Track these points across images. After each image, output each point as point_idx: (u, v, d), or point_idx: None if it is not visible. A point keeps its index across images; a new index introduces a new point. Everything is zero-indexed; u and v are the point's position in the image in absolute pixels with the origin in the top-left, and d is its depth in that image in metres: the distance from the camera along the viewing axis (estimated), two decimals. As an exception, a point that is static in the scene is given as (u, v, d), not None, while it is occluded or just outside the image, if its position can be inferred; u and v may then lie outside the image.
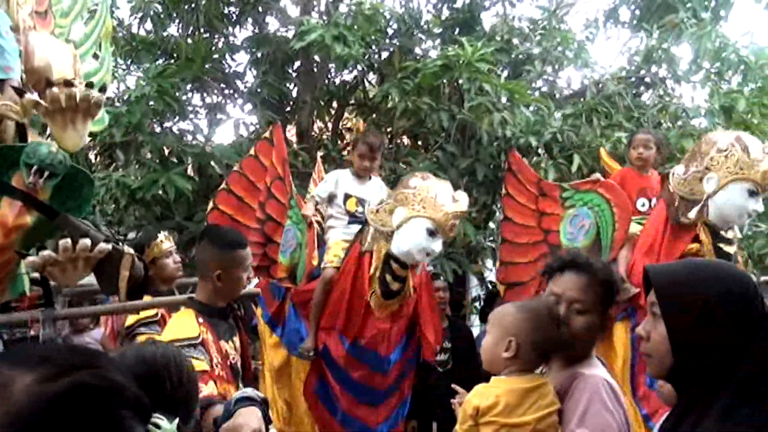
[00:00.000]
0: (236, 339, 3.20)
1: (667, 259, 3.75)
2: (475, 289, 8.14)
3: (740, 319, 1.64)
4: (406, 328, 4.23)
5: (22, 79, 2.76)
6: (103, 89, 2.67)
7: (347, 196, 4.56)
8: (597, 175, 4.72)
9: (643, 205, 4.60)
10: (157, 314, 3.97)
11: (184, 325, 2.99)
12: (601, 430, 2.07)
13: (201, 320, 3.00)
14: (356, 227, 4.44)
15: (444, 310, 5.73)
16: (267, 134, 4.94)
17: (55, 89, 2.51)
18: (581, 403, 2.14)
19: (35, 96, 2.56)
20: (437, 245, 4.04)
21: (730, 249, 4.16)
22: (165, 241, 4.48)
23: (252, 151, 4.90)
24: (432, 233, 3.98)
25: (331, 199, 4.62)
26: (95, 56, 3.40)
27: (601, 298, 2.29)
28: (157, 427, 1.31)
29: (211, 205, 4.84)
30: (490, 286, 7.70)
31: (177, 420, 1.37)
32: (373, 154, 4.65)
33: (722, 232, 4.14)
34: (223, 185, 4.87)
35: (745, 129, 6.77)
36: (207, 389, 2.66)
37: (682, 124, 6.97)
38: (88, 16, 3.45)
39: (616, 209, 4.26)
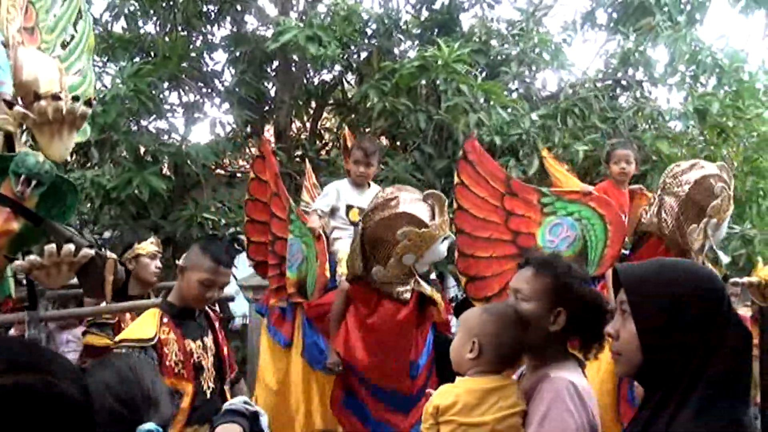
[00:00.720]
0: (207, 339, 3.36)
1: None
2: (453, 290, 8.18)
3: (709, 316, 1.67)
4: (428, 329, 4.12)
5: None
6: (88, 103, 2.73)
7: (349, 207, 4.52)
8: (589, 188, 4.72)
9: None
10: (114, 316, 4.05)
11: (140, 326, 3.17)
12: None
13: (166, 320, 3.19)
14: None
15: None
16: (257, 152, 4.97)
17: (42, 102, 2.62)
18: (543, 405, 2.14)
19: (23, 108, 2.64)
20: (448, 239, 3.94)
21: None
22: (153, 244, 4.62)
23: (252, 174, 4.92)
24: (442, 240, 3.86)
25: (333, 211, 4.57)
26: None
27: (545, 287, 2.29)
28: None
29: (245, 239, 4.95)
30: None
31: None
32: (369, 159, 4.57)
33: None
34: (246, 217, 4.95)
35: (720, 132, 6.90)
36: None
37: (657, 126, 7.05)
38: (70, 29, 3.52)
39: (610, 227, 4.24)
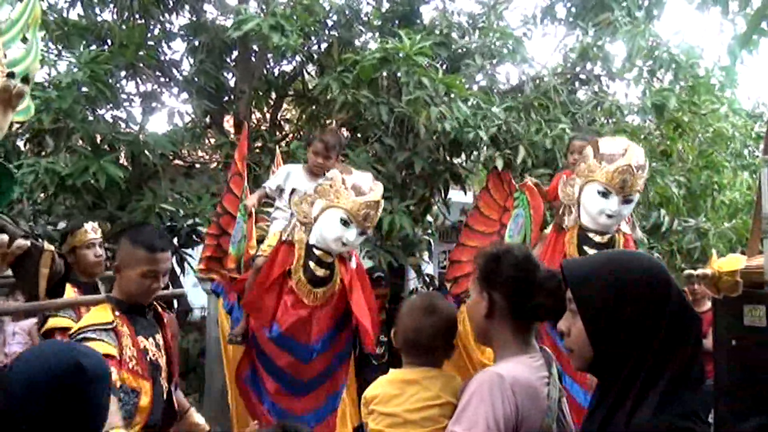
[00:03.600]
0: (158, 336, 3.20)
1: (549, 263, 3.76)
2: (413, 282, 8.19)
3: (658, 307, 1.69)
4: (333, 320, 4.22)
5: None
6: (25, 80, 2.59)
7: (294, 191, 4.53)
8: (528, 179, 4.86)
9: None
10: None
11: (98, 313, 3.05)
12: (471, 424, 2.04)
13: (118, 313, 3.04)
14: None
15: (384, 305, 5.81)
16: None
17: None
18: (465, 399, 2.13)
19: None
20: (351, 234, 4.05)
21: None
22: (90, 231, 4.40)
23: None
24: (345, 222, 4.02)
25: (280, 192, 4.66)
26: (24, 40, 3.28)
27: (476, 275, 2.30)
28: None
29: (219, 209, 5.05)
30: (427, 279, 7.77)
31: None
32: (328, 152, 4.65)
33: (592, 236, 4.28)
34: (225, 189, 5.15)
35: (676, 127, 6.99)
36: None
37: (615, 120, 7.12)
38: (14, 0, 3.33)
39: (532, 211, 4.43)
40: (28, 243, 2.74)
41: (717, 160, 7.40)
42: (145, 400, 2.95)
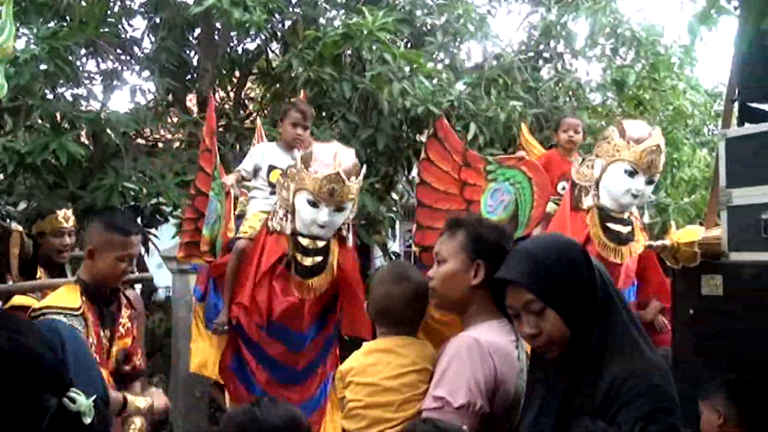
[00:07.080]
0: (112, 328, 3.23)
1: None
2: (378, 260, 8.21)
3: (581, 258, 1.93)
4: (323, 305, 4.05)
5: None
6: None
7: (271, 168, 4.41)
8: (522, 153, 4.86)
9: (563, 188, 4.80)
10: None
11: (64, 296, 3.06)
12: (452, 388, 2.12)
13: (84, 298, 3.07)
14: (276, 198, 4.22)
15: None
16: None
17: None
18: (442, 364, 2.20)
19: None
20: (323, 215, 3.83)
21: (622, 228, 4.37)
22: (62, 220, 4.41)
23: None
24: (313, 204, 3.82)
25: (256, 172, 4.49)
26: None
27: (459, 243, 2.35)
28: (73, 401, 1.27)
29: (192, 190, 4.86)
30: (393, 257, 7.79)
31: (95, 396, 1.33)
32: (306, 122, 4.54)
33: (614, 214, 4.37)
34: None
35: (637, 104, 7.07)
36: None
37: (577, 97, 7.18)
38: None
39: (536, 188, 4.40)
40: None
41: (677, 137, 7.51)
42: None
